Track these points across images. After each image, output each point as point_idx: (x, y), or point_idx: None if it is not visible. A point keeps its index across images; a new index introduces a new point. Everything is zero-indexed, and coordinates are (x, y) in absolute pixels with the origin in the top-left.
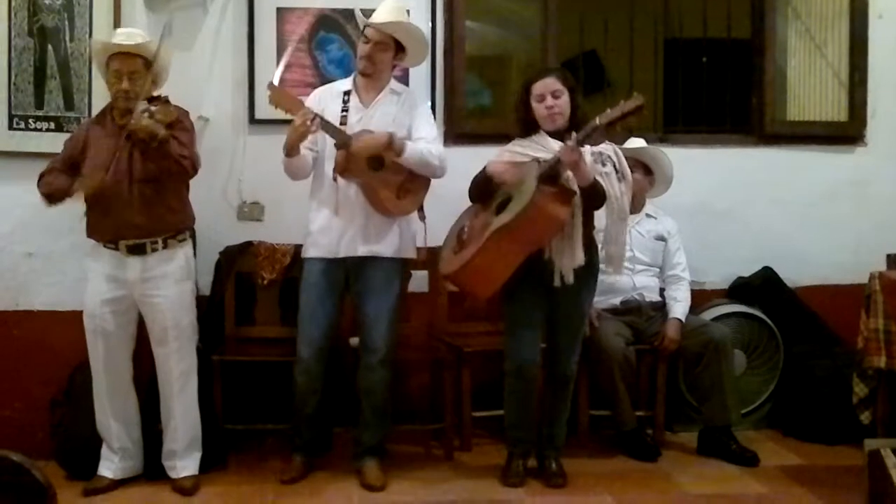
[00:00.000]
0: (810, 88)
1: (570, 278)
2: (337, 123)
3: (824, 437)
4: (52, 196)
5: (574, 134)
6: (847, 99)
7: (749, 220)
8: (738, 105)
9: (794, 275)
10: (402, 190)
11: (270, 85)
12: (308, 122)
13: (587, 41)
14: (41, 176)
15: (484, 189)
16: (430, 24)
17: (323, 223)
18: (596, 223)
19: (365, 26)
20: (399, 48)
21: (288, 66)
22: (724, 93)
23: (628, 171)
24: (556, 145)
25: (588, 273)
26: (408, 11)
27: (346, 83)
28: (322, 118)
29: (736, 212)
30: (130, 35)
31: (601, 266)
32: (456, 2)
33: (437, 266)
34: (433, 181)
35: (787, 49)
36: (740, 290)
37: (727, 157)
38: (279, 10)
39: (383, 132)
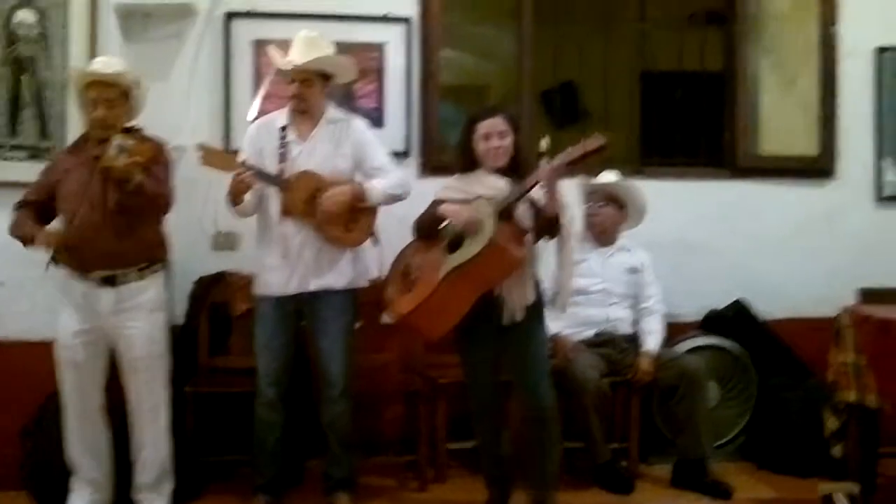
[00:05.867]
0: (782, 122)
1: (519, 315)
2: (276, 160)
3: (798, 470)
4: (19, 239)
5: (557, 157)
6: (818, 133)
7: (722, 252)
8: (713, 138)
9: (767, 307)
10: (350, 222)
11: (200, 146)
12: (245, 179)
13: (564, 72)
14: (15, 208)
15: (433, 227)
16: (405, 55)
17: (271, 262)
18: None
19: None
20: (326, 74)
21: (267, 97)
22: (699, 125)
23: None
24: (499, 183)
25: (536, 306)
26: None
27: (282, 117)
28: (257, 170)
29: (709, 245)
30: (108, 63)
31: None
32: (431, 33)
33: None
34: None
35: (759, 83)
36: (713, 322)
37: (701, 191)
38: (256, 41)
39: (346, 186)
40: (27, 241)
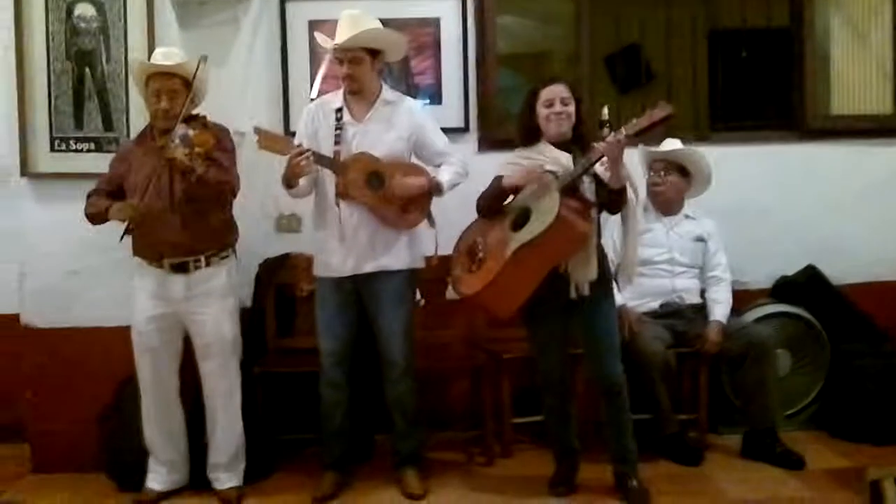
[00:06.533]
0: (854, 80)
1: (585, 290)
2: (332, 142)
3: (873, 438)
4: (94, 217)
5: (622, 129)
6: (893, 90)
7: (792, 217)
8: (783, 98)
9: (839, 272)
10: (406, 203)
11: (257, 129)
12: (302, 162)
13: (627, 35)
14: (88, 195)
15: (497, 203)
16: (461, 26)
17: (328, 244)
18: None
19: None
20: (374, 50)
21: (324, 78)
22: (768, 86)
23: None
24: (562, 157)
25: (602, 280)
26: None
27: (337, 99)
28: (315, 153)
29: (779, 209)
30: (168, 55)
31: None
32: (486, 4)
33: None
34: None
35: (829, 39)
36: (784, 288)
37: (770, 154)
38: (311, 22)
39: (423, 179)
40: (101, 215)
